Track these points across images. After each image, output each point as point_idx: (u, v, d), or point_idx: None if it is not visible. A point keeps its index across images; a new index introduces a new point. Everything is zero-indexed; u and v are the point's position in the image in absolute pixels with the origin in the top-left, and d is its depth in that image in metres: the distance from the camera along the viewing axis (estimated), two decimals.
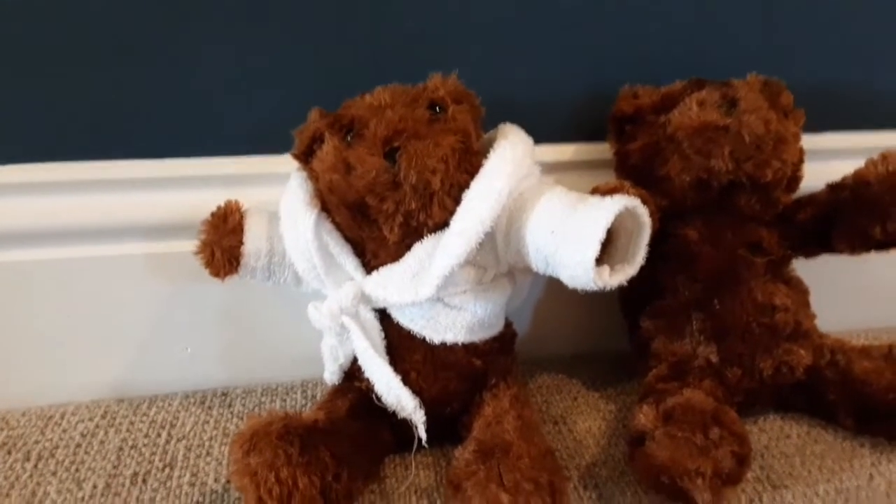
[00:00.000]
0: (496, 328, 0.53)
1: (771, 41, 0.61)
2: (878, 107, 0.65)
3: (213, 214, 0.52)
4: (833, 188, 0.53)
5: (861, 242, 0.52)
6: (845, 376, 0.53)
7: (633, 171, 0.55)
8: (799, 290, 0.55)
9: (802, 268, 0.57)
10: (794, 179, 0.54)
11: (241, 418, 0.58)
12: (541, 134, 0.54)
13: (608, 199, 0.44)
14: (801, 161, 0.54)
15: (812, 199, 0.54)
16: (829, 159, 0.59)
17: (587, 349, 0.68)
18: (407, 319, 0.50)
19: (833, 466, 0.51)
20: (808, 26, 0.61)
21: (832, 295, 0.57)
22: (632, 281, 0.46)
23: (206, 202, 0.53)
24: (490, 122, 0.52)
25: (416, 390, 0.50)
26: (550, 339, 0.67)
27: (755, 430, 0.55)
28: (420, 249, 0.48)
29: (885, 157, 0.51)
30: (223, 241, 0.51)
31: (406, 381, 0.49)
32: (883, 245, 0.52)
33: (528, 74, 0.60)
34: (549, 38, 0.59)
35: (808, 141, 0.55)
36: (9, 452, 0.54)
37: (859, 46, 0.63)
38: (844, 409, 0.53)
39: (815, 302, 0.56)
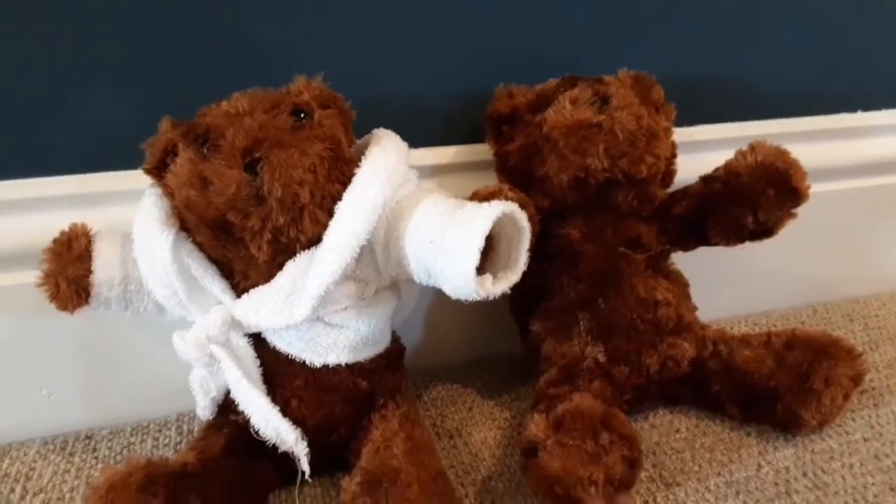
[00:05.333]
0: (382, 344, 0.51)
1: (640, 36, 0.62)
2: (746, 97, 0.67)
3: (55, 241, 0.47)
4: (706, 181, 0.54)
5: (735, 233, 0.53)
6: (728, 366, 0.54)
7: (513, 172, 0.54)
8: (679, 284, 0.56)
9: (679, 259, 0.58)
10: (669, 174, 0.55)
11: (108, 462, 0.53)
12: (420, 137, 0.52)
13: (485, 205, 0.42)
14: (674, 155, 0.55)
15: (686, 192, 0.55)
16: (702, 151, 0.60)
17: (484, 354, 0.66)
18: (284, 343, 0.47)
19: (722, 458, 0.52)
20: (675, 19, 0.62)
21: (710, 284, 0.58)
22: (519, 284, 0.45)
23: (49, 227, 0.48)
24: (365, 126, 0.49)
25: (299, 418, 0.46)
26: (445, 348, 0.65)
27: (646, 426, 0.55)
28: (293, 267, 0.45)
29: (753, 147, 0.52)
30: (68, 271, 0.46)
31: (287, 410, 0.46)
32: (756, 234, 0.53)
33: (401, 76, 0.57)
34: (421, 36, 0.57)
35: (681, 133, 0.56)
36: None
37: (725, 38, 0.64)
38: (729, 399, 0.54)
39: (694, 292, 0.57)
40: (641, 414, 0.56)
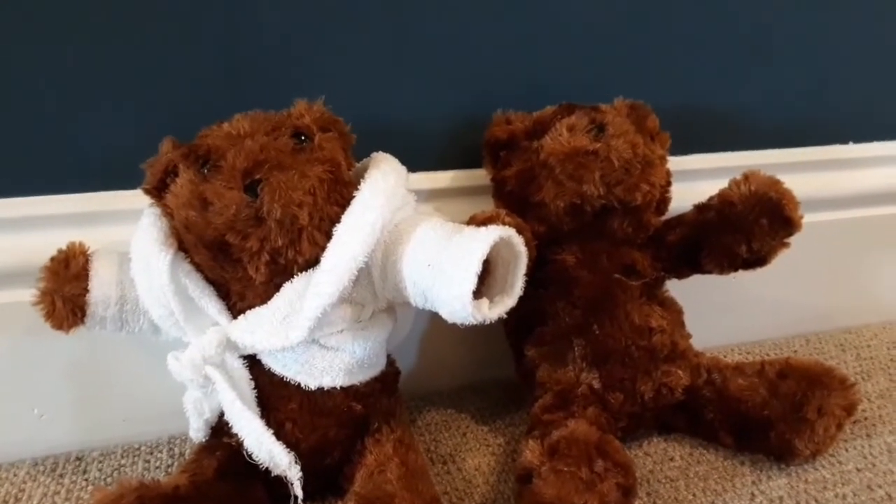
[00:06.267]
0: (377, 368, 0.51)
1: (636, 65, 0.63)
2: (740, 128, 0.68)
3: (52, 259, 0.47)
4: (700, 209, 0.55)
5: (729, 262, 0.53)
6: (722, 395, 0.54)
7: (509, 198, 0.54)
8: (673, 311, 0.56)
9: (674, 287, 0.58)
10: (663, 201, 0.55)
11: (99, 485, 0.52)
12: (418, 161, 0.53)
13: (483, 229, 0.43)
14: (668, 183, 0.55)
15: (680, 220, 0.55)
16: (696, 180, 0.61)
17: (478, 379, 0.66)
18: (279, 365, 0.47)
19: (716, 487, 0.51)
20: (672, 50, 0.63)
21: (703, 312, 0.58)
22: (514, 309, 0.45)
23: (46, 245, 0.47)
24: (364, 150, 0.50)
25: (293, 442, 0.46)
26: (439, 373, 0.65)
27: (640, 454, 0.55)
28: (290, 289, 0.45)
29: (747, 176, 0.53)
30: (65, 289, 0.46)
31: (281, 433, 0.46)
32: (749, 263, 0.53)
33: (400, 100, 0.58)
34: (421, 62, 0.58)
35: (675, 162, 0.57)
36: None
37: (720, 70, 0.65)
38: (723, 428, 0.54)
39: (688, 320, 0.57)
40: (636, 442, 0.56)
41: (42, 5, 0.48)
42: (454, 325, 0.44)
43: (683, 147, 0.62)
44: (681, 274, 0.57)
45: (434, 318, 0.62)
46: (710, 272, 0.55)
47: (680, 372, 0.53)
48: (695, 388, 0.54)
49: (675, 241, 0.55)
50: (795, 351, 0.70)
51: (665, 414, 0.55)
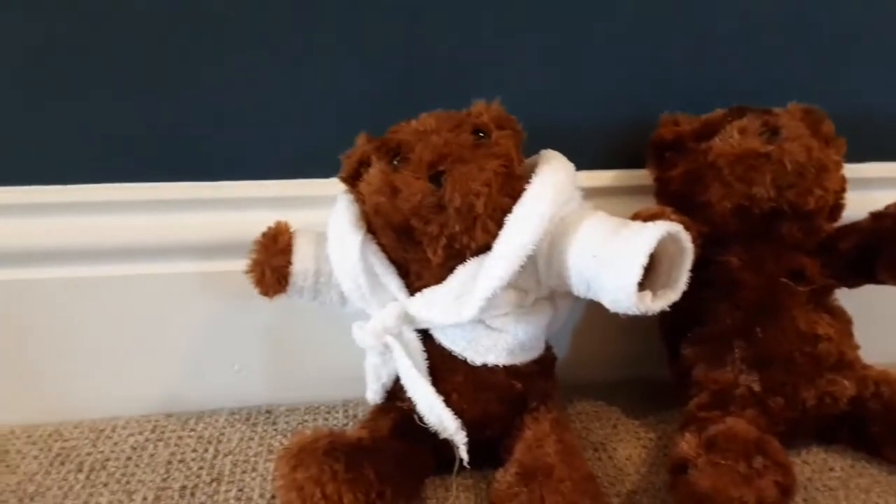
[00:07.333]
0: (536, 351, 0.54)
1: (812, 70, 0.61)
2: None
3: (263, 234, 0.54)
4: (876, 217, 0.53)
5: None
6: (889, 408, 0.52)
7: (673, 198, 0.55)
8: (842, 320, 0.54)
9: (845, 297, 0.56)
10: (837, 208, 0.54)
11: (285, 435, 0.59)
12: (581, 159, 0.55)
13: (650, 224, 0.44)
14: (843, 189, 0.54)
15: (854, 227, 0.54)
16: (872, 189, 0.59)
17: (626, 375, 0.67)
18: (449, 340, 0.51)
19: (878, 501, 0.50)
20: (849, 54, 0.61)
21: (876, 325, 0.56)
22: (673, 307, 0.46)
23: (257, 223, 0.54)
24: (532, 148, 0.53)
25: (457, 411, 0.50)
26: (589, 365, 0.67)
27: (798, 461, 0.54)
28: (463, 271, 0.49)
29: None
30: (273, 261, 0.53)
31: (447, 403, 0.50)
32: None
33: (569, 101, 0.61)
34: (591, 65, 0.60)
35: (851, 170, 0.55)
36: (62, 463, 0.56)
37: None
38: (889, 442, 0.52)
39: (859, 332, 0.56)
40: (794, 450, 0.55)
41: (247, 13, 0.56)
42: (605, 321, 0.46)
43: (860, 155, 0.60)
44: (851, 283, 0.55)
45: (587, 312, 0.65)
46: (883, 282, 0.53)
47: (846, 382, 0.52)
48: (861, 400, 0.53)
49: (847, 249, 0.53)
50: None
51: (826, 423, 0.54)
